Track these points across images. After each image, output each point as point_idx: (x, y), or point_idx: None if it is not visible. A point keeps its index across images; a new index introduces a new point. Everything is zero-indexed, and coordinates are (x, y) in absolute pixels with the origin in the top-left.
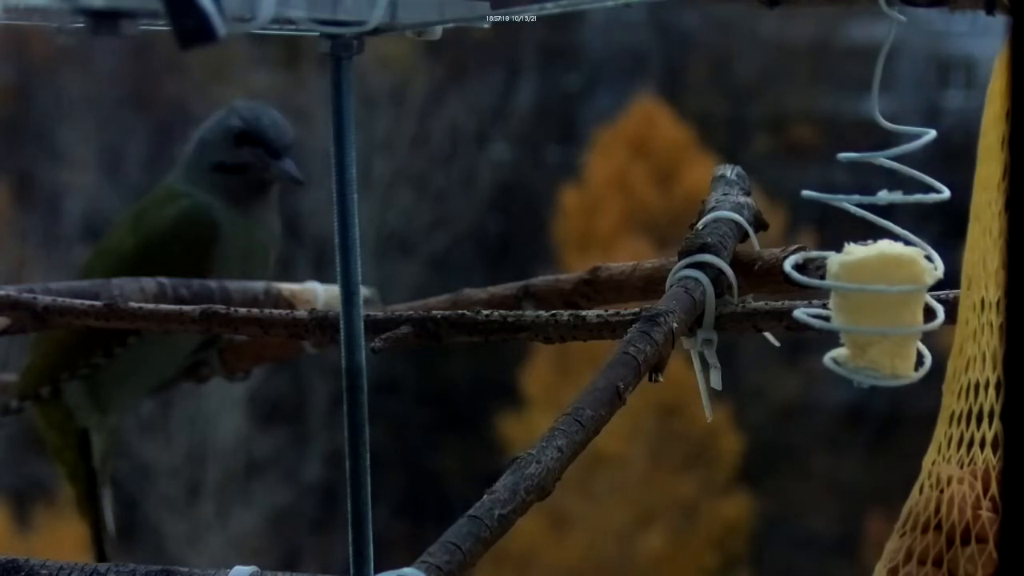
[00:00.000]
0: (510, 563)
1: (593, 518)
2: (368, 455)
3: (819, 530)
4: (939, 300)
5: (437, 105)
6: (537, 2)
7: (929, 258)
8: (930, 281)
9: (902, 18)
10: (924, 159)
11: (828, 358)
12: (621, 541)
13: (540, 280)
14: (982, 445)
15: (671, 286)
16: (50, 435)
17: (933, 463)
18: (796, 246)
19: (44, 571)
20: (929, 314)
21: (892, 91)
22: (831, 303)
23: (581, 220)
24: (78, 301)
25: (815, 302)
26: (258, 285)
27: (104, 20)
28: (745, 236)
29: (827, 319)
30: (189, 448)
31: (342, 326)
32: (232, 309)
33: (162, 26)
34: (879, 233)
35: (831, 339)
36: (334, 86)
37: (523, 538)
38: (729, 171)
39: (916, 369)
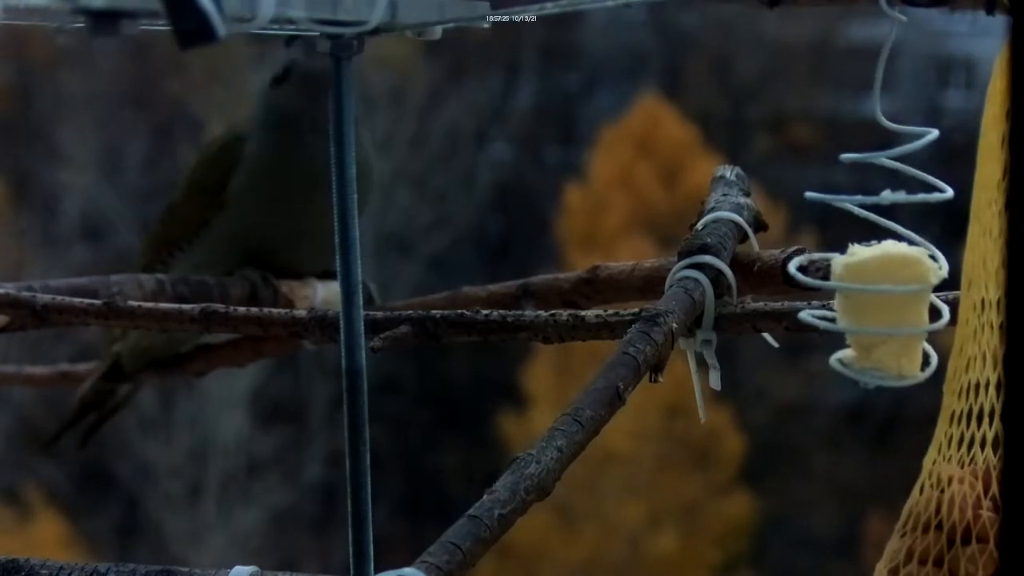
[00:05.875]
0: (518, 560)
1: (599, 516)
2: (368, 455)
3: (820, 530)
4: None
5: (437, 105)
6: (537, 2)
7: (933, 257)
8: (935, 281)
9: (902, 18)
10: (924, 159)
11: (834, 359)
12: (627, 539)
13: (539, 279)
14: (982, 445)
15: (671, 286)
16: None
17: (933, 463)
18: (795, 247)
19: (44, 571)
20: (934, 314)
21: (892, 91)
22: (836, 304)
23: (585, 219)
24: (77, 299)
25: (814, 303)
26: (254, 275)
27: (104, 20)
28: (745, 237)
29: (832, 320)
30: (190, 448)
31: (342, 326)
32: (231, 308)
33: (162, 26)
34: (880, 233)
35: (832, 340)
36: (334, 86)
37: (530, 535)
38: (729, 172)
39: (922, 369)
